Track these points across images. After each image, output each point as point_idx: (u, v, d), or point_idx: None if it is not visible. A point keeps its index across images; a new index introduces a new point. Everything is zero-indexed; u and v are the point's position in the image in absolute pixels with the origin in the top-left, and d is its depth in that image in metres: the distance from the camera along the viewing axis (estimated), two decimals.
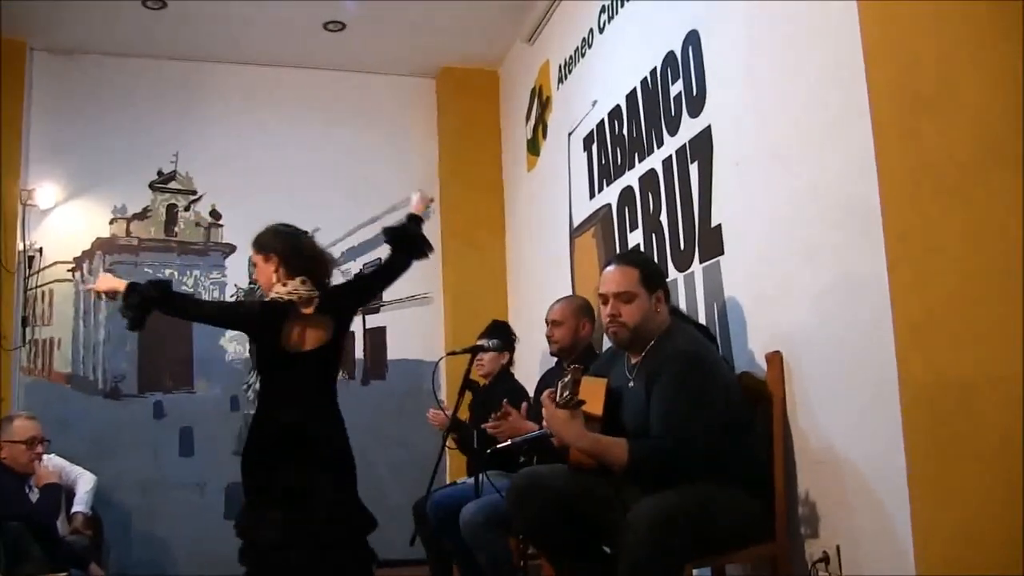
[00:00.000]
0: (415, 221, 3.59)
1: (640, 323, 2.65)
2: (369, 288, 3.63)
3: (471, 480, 3.63)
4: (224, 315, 3.46)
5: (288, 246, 3.19)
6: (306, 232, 3.38)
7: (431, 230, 5.78)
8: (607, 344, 3.00)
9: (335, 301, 3.24)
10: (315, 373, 3.19)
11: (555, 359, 3.82)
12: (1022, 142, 1.76)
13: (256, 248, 3.25)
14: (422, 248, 3.53)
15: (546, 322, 3.73)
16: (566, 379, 2.50)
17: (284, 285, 3.11)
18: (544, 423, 2.63)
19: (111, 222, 5.49)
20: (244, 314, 3.28)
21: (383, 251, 5.73)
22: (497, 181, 5.82)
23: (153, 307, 3.09)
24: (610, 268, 2.75)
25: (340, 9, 5.15)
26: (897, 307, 2.14)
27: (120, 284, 3.12)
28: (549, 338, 3.70)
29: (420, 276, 5.77)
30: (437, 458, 3.58)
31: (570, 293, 4.42)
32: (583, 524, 2.66)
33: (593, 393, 2.58)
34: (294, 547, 3.01)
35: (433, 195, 5.24)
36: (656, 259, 3.61)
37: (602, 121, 4.27)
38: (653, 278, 2.70)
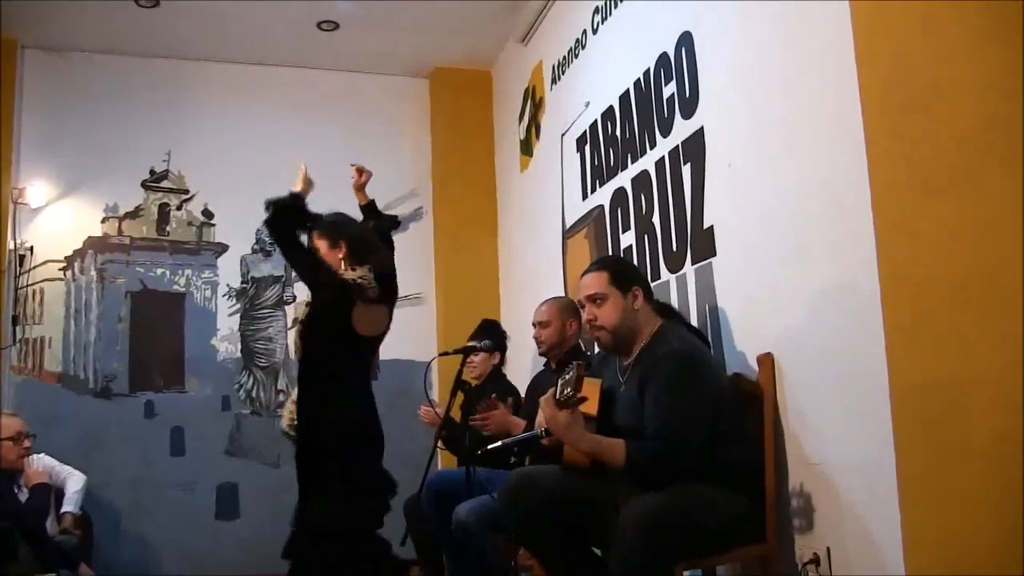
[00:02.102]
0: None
1: (618, 323, 2.67)
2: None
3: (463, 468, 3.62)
4: (318, 267, 3.30)
5: (357, 234, 3.31)
6: (366, 222, 3.52)
7: (423, 230, 5.85)
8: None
9: (388, 291, 3.33)
10: (372, 357, 3.35)
11: (545, 361, 3.83)
12: (1013, 144, 1.77)
13: (323, 234, 3.31)
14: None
15: (533, 324, 3.75)
16: (568, 376, 2.50)
17: (353, 270, 3.19)
18: (541, 423, 2.62)
19: (103, 221, 5.47)
20: (333, 275, 3.25)
21: None
22: (490, 182, 5.82)
23: (288, 217, 3.29)
24: (584, 276, 2.80)
25: (333, 8, 5.14)
26: (887, 309, 2.14)
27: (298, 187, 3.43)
28: (537, 339, 3.73)
29: (412, 276, 5.77)
30: (429, 457, 3.58)
31: (562, 294, 4.42)
32: (575, 525, 2.66)
33: (589, 393, 2.58)
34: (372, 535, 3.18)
35: (417, 190, 5.24)
36: (648, 260, 3.62)
37: (595, 122, 4.27)
38: (623, 277, 2.72)
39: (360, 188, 4.10)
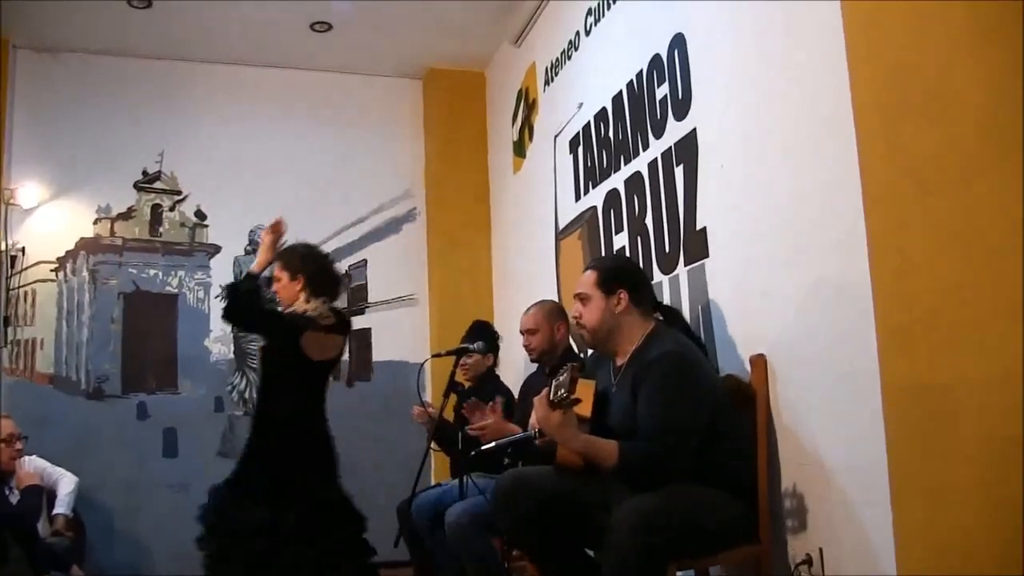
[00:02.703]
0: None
1: (597, 324, 2.70)
2: None
3: (455, 481, 3.62)
4: (271, 322, 3.49)
5: (316, 269, 3.47)
6: (328, 254, 3.66)
7: (417, 231, 5.86)
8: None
9: (344, 321, 3.53)
10: (325, 381, 3.48)
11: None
12: (1008, 145, 1.77)
13: (284, 266, 3.48)
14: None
15: (521, 332, 3.74)
16: (561, 377, 2.50)
17: (308, 303, 3.42)
18: (534, 424, 2.63)
19: (95, 222, 5.46)
20: (283, 321, 3.44)
21: (368, 252, 5.84)
22: (483, 183, 5.82)
23: (245, 298, 3.34)
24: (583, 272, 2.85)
25: (327, 9, 5.14)
26: (880, 310, 2.15)
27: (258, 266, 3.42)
28: (527, 347, 3.72)
29: (406, 277, 5.79)
30: (422, 459, 3.58)
31: (555, 295, 4.43)
32: (568, 526, 2.67)
33: (583, 394, 2.59)
34: (320, 545, 3.29)
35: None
36: (641, 261, 3.62)
37: (588, 123, 4.27)
38: (610, 280, 2.73)
39: (271, 247, 3.47)
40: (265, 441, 3.37)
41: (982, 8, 1.87)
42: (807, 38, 2.67)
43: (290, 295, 3.46)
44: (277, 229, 3.46)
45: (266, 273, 3.51)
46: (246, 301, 3.32)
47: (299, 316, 3.38)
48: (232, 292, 3.36)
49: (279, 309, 3.55)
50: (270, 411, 3.42)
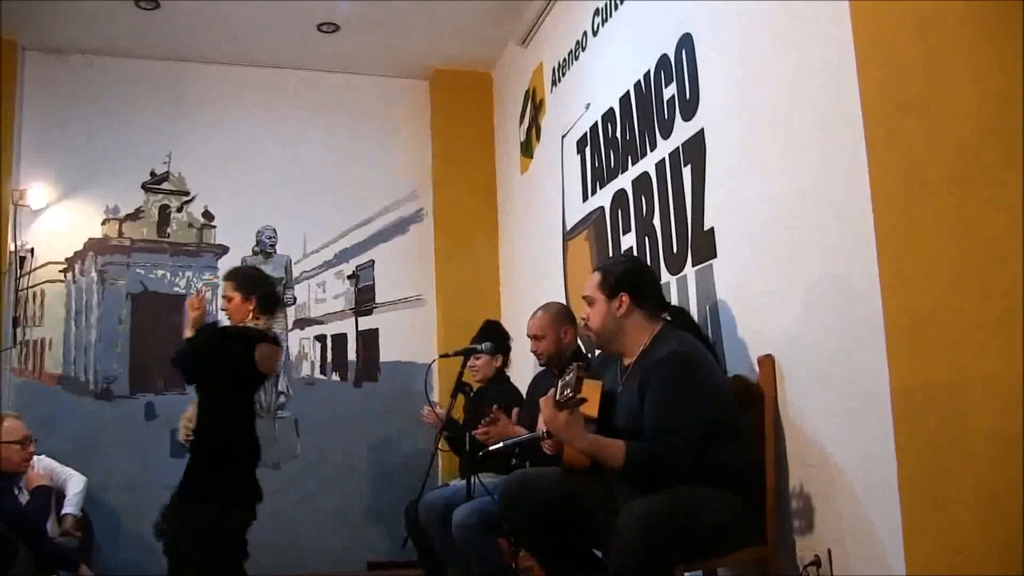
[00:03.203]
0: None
1: (600, 327, 2.73)
2: None
3: (463, 482, 3.62)
4: (229, 349, 3.70)
5: (266, 292, 3.80)
6: (272, 278, 4.13)
7: (424, 232, 5.86)
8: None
9: (278, 338, 3.84)
10: (255, 391, 3.77)
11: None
12: (1013, 144, 1.77)
13: (236, 288, 3.75)
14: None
15: (528, 336, 3.73)
16: (568, 377, 2.51)
17: (258, 319, 3.71)
18: (541, 425, 2.63)
19: (103, 223, 5.47)
20: (243, 338, 3.69)
21: (376, 253, 5.85)
22: (490, 183, 5.83)
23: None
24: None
25: (334, 10, 5.14)
26: (888, 310, 2.14)
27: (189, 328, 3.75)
28: (534, 351, 3.71)
29: (413, 278, 5.79)
30: (430, 459, 3.58)
31: (563, 296, 4.42)
32: (574, 527, 2.67)
33: (590, 394, 2.59)
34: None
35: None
36: (648, 262, 3.61)
37: (595, 124, 4.27)
38: (612, 282, 2.74)
39: (199, 315, 3.79)
40: (206, 445, 3.59)
41: (989, 7, 1.87)
42: (815, 38, 2.66)
43: (243, 313, 3.72)
44: (200, 302, 3.77)
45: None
46: (198, 353, 3.60)
47: (254, 329, 3.66)
48: (185, 359, 3.65)
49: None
50: (211, 418, 3.60)
